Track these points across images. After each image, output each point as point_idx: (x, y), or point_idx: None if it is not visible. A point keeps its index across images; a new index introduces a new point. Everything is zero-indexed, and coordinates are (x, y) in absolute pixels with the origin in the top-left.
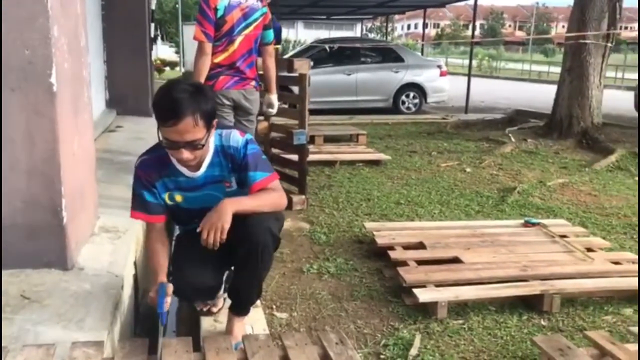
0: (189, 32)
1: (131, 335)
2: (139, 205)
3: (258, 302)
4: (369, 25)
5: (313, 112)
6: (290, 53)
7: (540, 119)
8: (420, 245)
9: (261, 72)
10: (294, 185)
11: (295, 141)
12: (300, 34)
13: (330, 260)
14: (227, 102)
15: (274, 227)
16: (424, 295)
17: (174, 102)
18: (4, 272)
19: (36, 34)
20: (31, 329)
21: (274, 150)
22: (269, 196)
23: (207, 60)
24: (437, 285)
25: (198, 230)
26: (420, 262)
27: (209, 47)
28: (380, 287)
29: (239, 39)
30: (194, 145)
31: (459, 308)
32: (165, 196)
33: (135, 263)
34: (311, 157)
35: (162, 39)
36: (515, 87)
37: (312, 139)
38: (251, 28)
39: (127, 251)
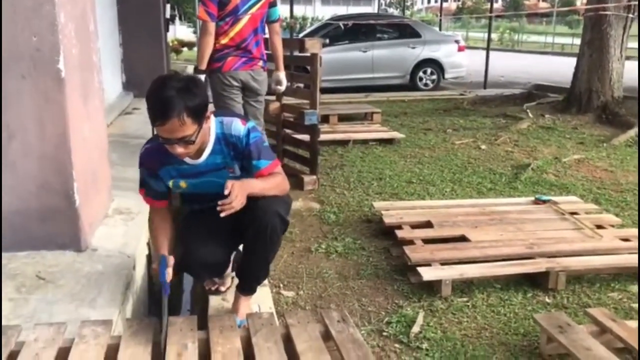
0: None
1: (145, 314)
2: (147, 190)
3: (265, 281)
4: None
5: (329, 90)
6: (306, 31)
7: (560, 93)
8: (428, 224)
9: (268, 52)
10: (306, 166)
11: (306, 121)
12: (317, 11)
13: (338, 240)
14: (235, 84)
15: (283, 211)
16: (428, 274)
17: (160, 102)
18: (21, 254)
19: (43, 21)
20: (46, 308)
21: (286, 131)
22: (274, 180)
23: (210, 40)
24: (443, 264)
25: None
26: (427, 241)
27: (212, 26)
28: (386, 265)
29: (245, 18)
30: (185, 141)
31: (464, 286)
32: (170, 183)
33: (148, 244)
34: (324, 137)
35: (180, 19)
36: (536, 61)
37: (326, 118)
38: (257, 7)
39: (140, 232)
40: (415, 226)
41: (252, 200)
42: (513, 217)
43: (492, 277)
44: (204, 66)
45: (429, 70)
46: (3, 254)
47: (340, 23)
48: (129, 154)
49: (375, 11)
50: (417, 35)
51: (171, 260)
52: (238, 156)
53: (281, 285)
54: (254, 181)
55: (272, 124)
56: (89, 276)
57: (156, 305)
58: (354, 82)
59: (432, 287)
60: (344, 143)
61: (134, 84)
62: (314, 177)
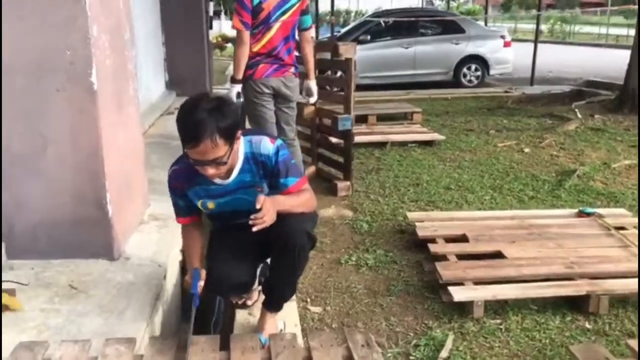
0: None
1: (175, 323)
2: (178, 210)
3: (293, 296)
4: None
5: (369, 87)
6: (347, 28)
7: (612, 90)
8: (463, 238)
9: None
10: (340, 171)
11: (339, 127)
12: (361, 4)
13: (369, 252)
14: (267, 91)
15: (310, 228)
16: (459, 294)
17: (192, 124)
18: (56, 262)
19: (76, 35)
20: (75, 320)
21: (321, 135)
22: (302, 197)
23: (245, 49)
24: (476, 283)
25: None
26: (461, 257)
27: (247, 35)
28: (418, 281)
29: (276, 26)
30: (216, 163)
31: (498, 306)
32: (198, 203)
33: (182, 250)
34: (361, 139)
35: (225, 14)
36: (589, 54)
37: (364, 118)
38: (288, 14)
39: (173, 239)
40: (449, 240)
41: (280, 217)
42: (554, 231)
43: (528, 298)
44: (240, 76)
45: (473, 67)
46: (39, 261)
47: (381, 20)
48: (168, 155)
49: (420, 5)
50: (461, 30)
51: (203, 273)
52: (267, 174)
53: (308, 300)
54: (283, 198)
55: (307, 127)
56: (120, 286)
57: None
58: (395, 79)
59: (464, 307)
60: (381, 145)
61: (177, 83)
62: (348, 183)
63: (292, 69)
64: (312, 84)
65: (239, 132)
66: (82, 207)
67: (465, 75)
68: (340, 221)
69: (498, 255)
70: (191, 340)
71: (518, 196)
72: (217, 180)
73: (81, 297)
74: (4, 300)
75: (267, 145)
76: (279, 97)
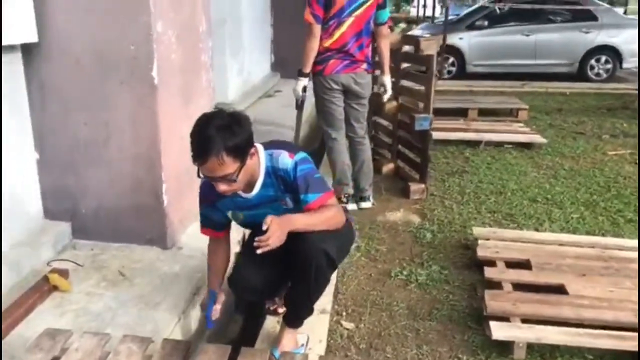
0: None
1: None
2: (205, 222)
3: (328, 306)
4: None
5: (483, 76)
6: (465, 12)
7: None
8: (526, 264)
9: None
10: (417, 172)
11: (416, 127)
12: None
13: (424, 266)
14: (336, 87)
15: (331, 248)
16: (499, 332)
17: (200, 140)
18: (114, 245)
19: (140, 31)
20: (113, 308)
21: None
22: (324, 214)
23: (315, 43)
24: (523, 320)
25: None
26: (518, 286)
27: (317, 29)
28: (465, 307)
29: (348, 21)
30: (227, 179)
31: (546, 349)
32: (229, 214)
33: (241, 240)
34: (454, 135)
35: None
36: None
37: (465, 112)
38: (362, 9)
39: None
40: (511, 264)
41: (299, 235)
42: (636, 268)
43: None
44: (308, 69)
45: (603, 59)
46: (99, 242)
47: (496, 7)
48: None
49: None
50: (593, 18)
51: (221, 297)
52: (288, 189)
53: (344, 313)
54: (298, 217)
55: (390, 123)
56: (164, 277)
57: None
58: (512, 69)
59: (506, 346)
60: (475, 144)
61: (282, 65)
62: (423, 185)
63: (365, 65)
64: (387, 79)
65: (253, 148)
66: (140, 195)
67: (592, 68)
68: (404, 228)
69: (560, 289)
70: (199, 349)
71: (613, 218)
72: (242, 194)
73: (125, 284)
74: (54, 281)
75: (285, 160)
76: (349, 94)
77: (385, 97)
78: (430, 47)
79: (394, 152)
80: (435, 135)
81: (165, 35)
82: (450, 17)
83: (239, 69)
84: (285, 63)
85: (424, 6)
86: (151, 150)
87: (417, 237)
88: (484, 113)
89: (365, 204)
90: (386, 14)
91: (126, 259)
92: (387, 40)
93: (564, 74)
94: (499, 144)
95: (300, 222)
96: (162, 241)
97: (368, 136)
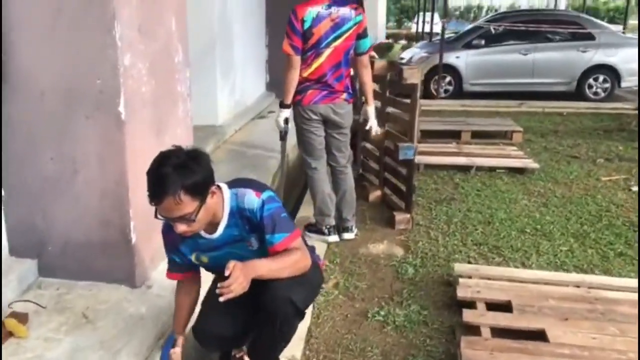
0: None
1: None
2: (171, 267)
3: (298, 353)
4: None
5: (480, 95)
6: (468, 28)
7: None
8: (507, 306)
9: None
10: (402, 201)
11: (400, 156)
12: (495, 0)
13: (403, 306)
14: (314, 117)
15: (297, 296)
16: None
17: (155, 179)
18: (82, 284)
19: (106, 65)
20: (72, 356)
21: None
22: (289, 258)
23: (294, 74)
24: None
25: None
26: (497, 331)
27: (296, 60)
28: (442, 353)
29: (326, 52)
30: (185, 220)
31: None
32: (192, 257)
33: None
34: (445, 160)
35: None
36: None
37: (458, 134)
38: (341, 39)
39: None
40: (491, 306)
41: (265, 282)
42: (622, 311)
43: None
44: (289, 100)
45: (601, 78)
46: (66, 281)
47: (491, 27)
48: (237, 169)
49: (553, 5)
50: (590, 37)
51: (180, 340)
52: (254, 229)
53: (314, 359)
54: (262, 262)
55: (376, 149)
56: (129, 319)
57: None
58: (510, 87)
59: None
60: (466, 168)
61: (277, 85)
62: (408, 215)
63: (344, 95)
64: (371, 110)
65: (214, 187)
66: (108, 232)
67: (590, 87)
68: (386, 261)
69: (540, 335)
70: None
71: (603, 251)
72: (204, 234)
73: (88, 328)
74: (10, 327)
75: (251, 199)
76: (329, 123)
77: (368, 127)
78: (413, 76)
79: (381, 178)
80: (426, 160)
81: (135, 69)
82: (448, 35)
83: (231, 90)
84: (280, 83)
85: (424, 22)
86: (119, 186)
87: (398, 272)
88: (478, 135)
89: (348, 235)
90: (367, 43)
91: (92, 299)
92: (368, 69)
93: (562, 92)
94: (491, 169)
95: (265, 268)
96: (130, 280)
97: (351, 165)
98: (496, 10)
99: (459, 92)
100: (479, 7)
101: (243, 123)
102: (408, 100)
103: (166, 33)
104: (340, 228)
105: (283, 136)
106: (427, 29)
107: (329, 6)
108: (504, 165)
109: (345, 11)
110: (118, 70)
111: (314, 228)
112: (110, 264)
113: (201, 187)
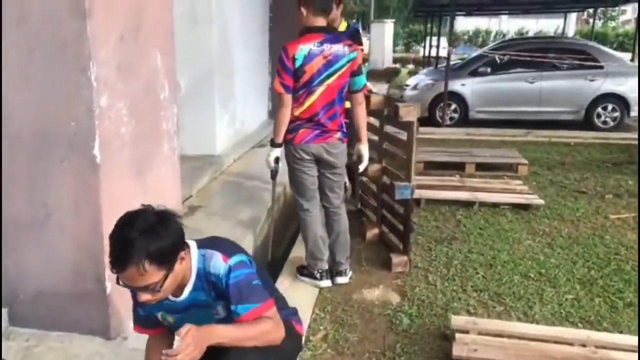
0: (376, 30)
1: None
2: (137, 320)
3: None
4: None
5: (486, 123)
6: (476, 54)
7: None
8: None
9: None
10: (400, 241)
11: (397, 196)
12: (503, 25)
13: None
14: (306, 157)
15: None
16: None
17: (118, 245)
18: (53, 335)
19: (81, 107)
20: None
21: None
22: (257, 328)
23: (286, 113)
24: None
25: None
26: None
27: (288, 99)
28: None
29: (319, 90)
30: (149, 290)
31: None
32: (158, 315)
33: None
34: (447, 195)
35: (364, 28)
36: None
37: (462, 167)
38: (334, 77)
39: None
40: None
41: (225, 351)
42: None
43: None
44: (280, 139)
45: (609, 107)
46: (37, 331)
47: (496, 56)
48: (233, 202)
49: (562, 28)
50: (598, 66)
51: None
52: (220, 296)
53: None
54: (224, 328)
55: (374, 185)
56: None
57: None
58: (516, 116)
59: None
60: (469, 204)
61: None
62: (405, 258)
63: (338, 134)
64: (364, 148)
65: (184, 251)
66: (81, 281)
67: (599, 116)
68: (380, 310)
69: None
70: None
71: (611, 300)
72: (170, 297)
73: None
74: None
75: (218, 264)
76: (322, 163)
77: (362, 167)
78: (409, 114)
79: (379, 216)
80: (428, 194)
81: (113, 109)
82: (454, 61)
83: (230, 119)
84: None
85: (431, 46)
86: (93, 233)
87: (393, 322)
88: (483, 167)
89: (341, 279)
90: (362, 80)
91: (62, 353)
92: (363, 107)
93: (570, 121)
94: (495, 204)
95: (226, 335)
96: (105, 331)
97: (350, 200)
98: (504, 35)
99: (464, 120)
100: (487, 32)
101: (242, 152)
102: (405, 137)
103: (150, 69)
104: (334, 272)
105: (273, 175)
106: (434, 53)
107: (322, 43)
108: (508, 202)
109: (339, 48)
110: (93, 111)
111: (306, 272)
112: (84, 314)
113: (168, 255)
